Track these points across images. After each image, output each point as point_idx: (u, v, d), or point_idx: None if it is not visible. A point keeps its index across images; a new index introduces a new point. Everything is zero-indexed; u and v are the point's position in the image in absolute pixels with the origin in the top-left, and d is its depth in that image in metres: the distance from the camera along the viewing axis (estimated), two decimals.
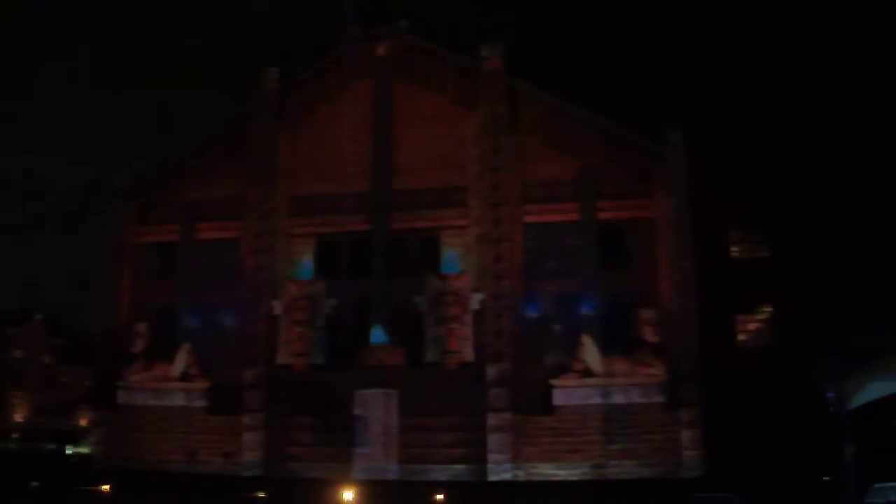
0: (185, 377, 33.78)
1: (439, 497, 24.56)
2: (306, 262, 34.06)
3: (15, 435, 60.52)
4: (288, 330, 33.09)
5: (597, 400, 30.06)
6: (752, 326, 33.74)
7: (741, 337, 33.66)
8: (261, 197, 34.25)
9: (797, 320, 31.60)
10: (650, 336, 30.34)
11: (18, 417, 62.76)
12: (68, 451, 56.97)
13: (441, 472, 30.05)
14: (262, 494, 26.41)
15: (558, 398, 30.33)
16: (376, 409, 31.21)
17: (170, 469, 32.09)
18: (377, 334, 32.06)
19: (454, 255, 32.64)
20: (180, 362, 33.89)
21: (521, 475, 29.75)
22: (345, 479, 25.46)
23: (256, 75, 35.49)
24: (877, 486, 19.68)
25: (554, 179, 32.03)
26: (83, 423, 59.02)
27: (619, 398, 29.98)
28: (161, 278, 35.27)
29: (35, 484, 28.29)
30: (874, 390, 20.23)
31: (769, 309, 33.48)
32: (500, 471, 29.68)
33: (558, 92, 33.42)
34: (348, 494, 21.57)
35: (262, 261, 33.73)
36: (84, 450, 50.44)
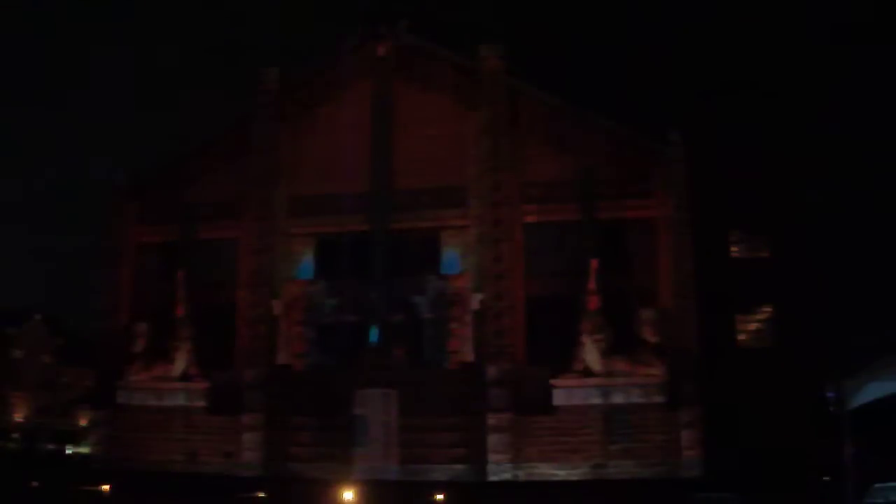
0: (185, 377, 33.81)
1: (439, 497, 24.54)
2: (306, 262, 34.04)
3: (15, 435, 60.55)
4: (288, 330, 33.12)
5: (597, 400, 30.04)
6: (752, 326, 33.76)
7: (741, 337, 33.68)
8: (261, 197, 34.24)
9: (797, 320, 31.64)
10: (650, 336, 30.33)
11: (18, 417, 62.79)
12: (68, 451, 56.98)
13: (441, 472, 30.03)
14: (262, 494, 26.40)
15: (558, 398, 30.32)
16: (376, 409, 31.20)
17: (170, 469, 32.07)
18: (377, 334, 32.05)
19: (454, 255, 32.63)
20: (180, 362, 33.92)
21: (521, 475, 29.74)
22: (345, 479, 25.43)
23: (256, 75, 35.48)
24: (877, 485, 19.67)
25: (554, 179, 31.99)
26: (83, 423, 59.05)
27: (619, 398, 29.97)
28: (161, 278, 35.24)
29: (35, 484, 28.29)
30: (874, 390, 20.21)
31: (769, 309, 33.49)
32: (500, 471, 29.67)
33: (558, 92, 33.44)
34: (348, 494, 21.56)
35: (262, 261, 33.71)
36: (84, 450, 50.46)
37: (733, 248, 34.34)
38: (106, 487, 25.68)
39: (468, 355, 31.32)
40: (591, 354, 30.34)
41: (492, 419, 30.04)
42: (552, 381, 30.37)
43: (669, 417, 29.27)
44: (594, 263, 30.55)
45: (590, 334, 30.29)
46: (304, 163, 34.20)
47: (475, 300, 31.62)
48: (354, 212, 33.14)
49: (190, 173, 35.80)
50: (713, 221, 32.31)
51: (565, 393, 30.30)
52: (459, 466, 30.28)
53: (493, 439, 29.92)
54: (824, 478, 25.40)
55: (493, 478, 29.57)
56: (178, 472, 31.62)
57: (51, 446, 58.30)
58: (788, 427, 29.39)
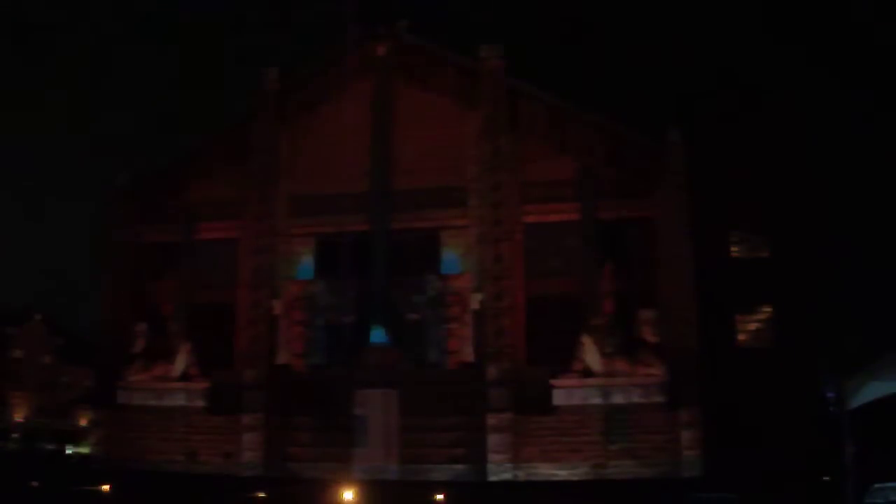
0: (185, 377, 33.82)
1: (439, 497, 24.54)
2: (306, 262, 34.04)
3: (15, 435, 60.56)
4: (288, 330, 33.12)
5: (597, 400, 30.06)
6: (752, 326, 33.74)
7: (741, 337, 33.66)
8: (261, 197, 34.24)
9: (797, 320, 31.63)
10: (650, 336, 30.33)
11: (18, 417, 62.80)
12: (68, 451, 56.97)
13: (441, 472, 30.05)
14: (262, 494, 26.40)
15: (558, 398, 30.33)
16: (376, 409, 31.22)
17: (170, 469, 32.09)
18: (377, 334, 32.06)
19: (454, 255, 32.63)
20: (180, 362, 33.94)
21: (521, 475, 29.75)
22: (345, 479, 25.44)
23: (256, 75, 35.48)
24: (877, 485, 19.67)
25: (554, 179, 31.98)
26: (83, 423, 59.07)
27: (619, 398, 29.98)
28: (161, 278, 35.26)
29: (35, 484, 28.28)
30: (874, 390, 20.20)
31: (769, 309, 33.48)
32: (500, 471, 29.68)
33: (558, 92, 33.44)
34: (348, 494, 21.58)
35: (262, 261, 33.72)
36: (84, 450, 50.46)
37: (733, 248, 34.32)
38: (106, 487, 25.67)
39: (468, 355, 31.33)
40: (590, 354, 30.35)
41: (492, 419, 30.04)
42: (552, 381, 30.38)
43: (669, 417, 29.28)
44: (607, 268, 30.61)
45: (597, 335, 30.28)
46: (305, 163, 34.21)
47: (475, 300, 31.63)
48: (354, 212, 33.14)
49: (190, 173, 35.81)
50: (713, 221, 32.29)
51: (565, 393, 30.31)
52: (459, 466, 30.30)
53: (493, 439, 29.93)
54: (824, 478, 25.40)
55: (493, 478, 29.58)
56: (178, 472, 31.64)
57: (51, 446, 58.28)
58: (788, 427, 29.38)
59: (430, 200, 32.75)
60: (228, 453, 32.29)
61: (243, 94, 37.54)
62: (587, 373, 30.29)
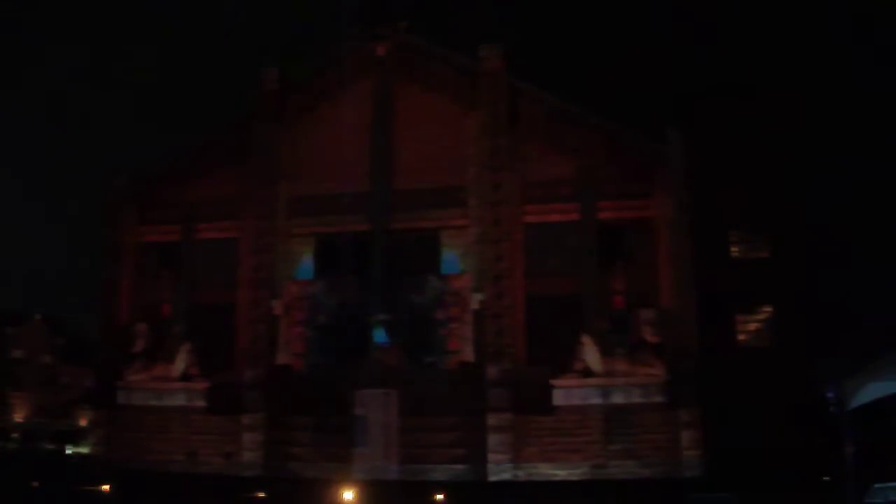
0: (185, 377, 33.83)
1: (439, 497, 24.58)
2: (306, 262, 34.06)
3: (15, 435, 60.58)
4: (288, 330, 33.14)
5: (597, 400, 30.05)
6: (752, 326, 33.78)
7: (741, 337, 33.69)
8: (261, 197, 34.25)
9: (797, 320, 31.66)
10: (650, 336, 30.33)
11: (18, 417, 62.81)
12: (68, 451, 57.00)
13: (441, 472, 30.05)
14: (262, 494, 26.42)
15: (558, 398, 30.33)
16: (376, 409, 31.23)
17: (170, 469, 32.10)
18: (377, 334, 32.05)
19: (454, 255, 32.62)
20: (180, 362, 33.95)
21: (521, 475, 29.76)
22: (345, 479, 25.46)
23: (256, 75, 35.49)
24: (877, 485, 19.72)
25: (554, 179, 31.97)
26: (83, 423, 59.09)
27: (619, 398, 29.98)
28: (161, 278, 35.27)
29: (35, 484, 28.31)
30: (874, 390, 20.23)
31: (769, 309, 33.50)
32: (500, 471, 29.68)
33: (558, 92, 33.44)
34: (348, 494, 21.62)
35: (262, 261, 33.73)
36: (84, 450, 50.49)
37: (733, 248, 34.34)
38: (106, 487, 25.71)
39: (468, 355, 31.32)
40: (591, 354, 30.36)
41: (492, 419, 30.04)
42: (552, 381, 30.38)
43: (669, 417, 29.26)
44: (607, 268, 30.69)
45: (597, 335, 30.28)
46: (304, 163, 34.20)
47: (475, 300, 31.62)
48: (354, 212, 33.11)
49: (190, 173, 35.79)
50: (713, 221, 32.31)
51: (565, 393, 30.31)
52: (459, 466, 30.29)
53: (493, 439, 29.93)
54: (824, 478, 25.42)
55: (493, 478, 29.58)
56: (178, 472, 31.65)
57: (51, 446, 58.30)
58: (788, 427, 29.40)
59: (430, 200, 32.73)
60: (228, 453, 32.30)
61: (243, 94, 37.47)
62: (587, 373, 30.29)
